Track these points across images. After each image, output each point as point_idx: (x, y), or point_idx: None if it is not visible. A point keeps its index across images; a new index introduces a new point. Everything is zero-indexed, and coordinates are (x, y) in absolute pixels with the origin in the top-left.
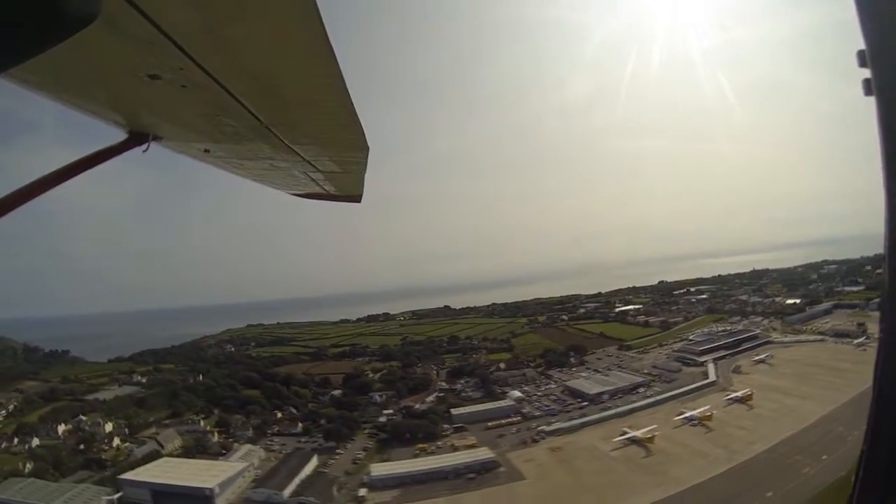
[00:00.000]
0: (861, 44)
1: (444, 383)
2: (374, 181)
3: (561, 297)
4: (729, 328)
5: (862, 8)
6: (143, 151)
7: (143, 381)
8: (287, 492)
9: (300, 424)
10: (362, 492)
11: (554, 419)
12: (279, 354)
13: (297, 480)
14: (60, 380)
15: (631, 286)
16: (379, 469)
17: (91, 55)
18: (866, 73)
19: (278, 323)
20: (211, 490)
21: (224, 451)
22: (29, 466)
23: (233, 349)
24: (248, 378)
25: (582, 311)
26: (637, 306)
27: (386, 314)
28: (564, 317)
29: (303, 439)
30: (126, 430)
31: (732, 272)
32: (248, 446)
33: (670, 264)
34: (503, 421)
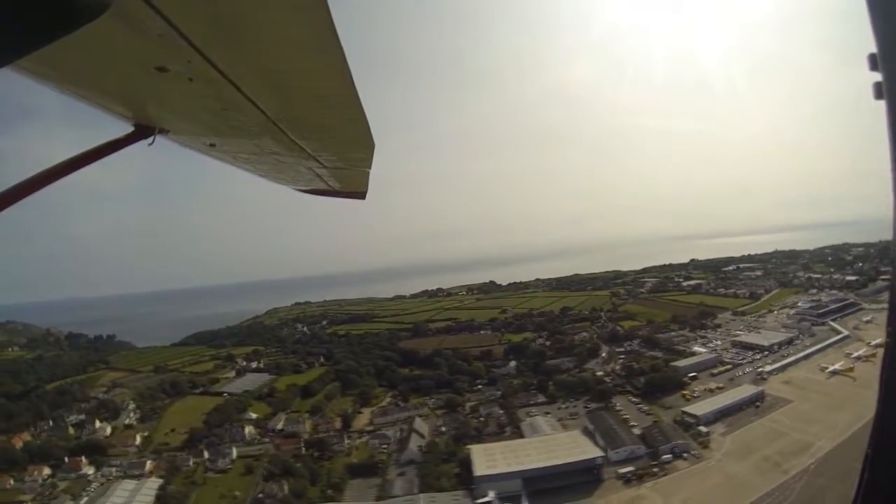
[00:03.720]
0: (872, 47)
1: (608, 347)
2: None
3: (602, 272)
4: (821, 298)
5: (874, 12)
6: (149, 145)
7: (258, 366)
8: (639, 446)
9: (539, 395)
10: (702, 428)
11: (756, 364)
12: (372, 332)
13: (630, 434)
14: (152, 369)
15: (667, 263)
16: (695, 409)
17: (99, 47)
18: (877, 76)
19: (325, 300)
20: (603, 458)
21: (501, 430)
22: (278, 489)
23: (305, 328)
24: (387, 357)
25: (648, 284)
26: (700, 281)
27: (440, 289)
28: (642, 290)
29: (564, 405)
30: (338, 423)
31: (755, 252)
32: (541, 418)
33: (684, 242)
34: (721, 368)
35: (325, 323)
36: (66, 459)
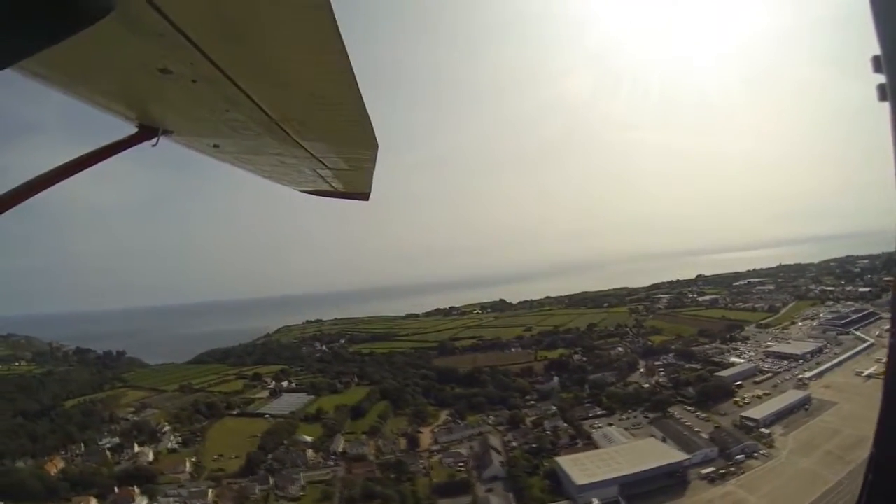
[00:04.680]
0: (876, 49)
1: (645, 361)
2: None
3: (611, 289)
4: (839, 309)
5: (878, 14)
6: (153, 146)
7: (291, 386)
8: (712, 449)
9: (596, 407)
10: (763, 430)
11: (793, 372)
12: (397, 350)
13: (700, 439)
14: (177, 388)
15: (675, 279)
16: (754, 413)
17: (103, 49)
18: (881, 78)
19: (336, 318)
20: (689, 460)
21: (573, 442)
22: None
23: (324, 346)
24: (424, 375)
25: (663, 300)
26: (715, 296)
27: (452, 307)
28: (658, 307)
29: (623, 416)
30: (402, 444)
31: (761, 267)
32: (611, 428)
33: (686, 259)
34: (762, 377)
35: (343, 341)
36: (116, 489)
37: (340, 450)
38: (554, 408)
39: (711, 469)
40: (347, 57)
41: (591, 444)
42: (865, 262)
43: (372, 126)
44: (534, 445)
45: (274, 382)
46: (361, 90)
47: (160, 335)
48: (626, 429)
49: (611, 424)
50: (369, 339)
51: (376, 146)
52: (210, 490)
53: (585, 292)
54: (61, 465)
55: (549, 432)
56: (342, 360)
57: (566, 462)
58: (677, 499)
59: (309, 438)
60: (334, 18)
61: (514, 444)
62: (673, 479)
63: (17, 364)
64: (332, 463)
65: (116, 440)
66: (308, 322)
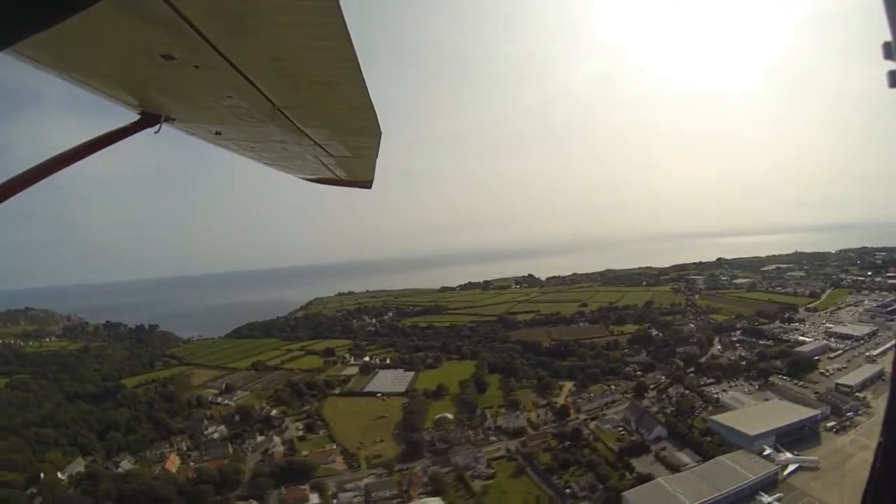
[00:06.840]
0: (887, 35)
1: (718, 337)
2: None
3: (636, 268)
4: (879, 298)
5: (888, 0)
6: (155, 133)
7: (373, 361)
8: (826, 408)
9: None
10: (858, 394)
11: (859, 350)
12: (457, 324)
13: (812, 400)
14: (250, 366)
15: (698, 261)
16: (847, 380)
17: (104, 33)
18: (892, 65)
19: (368, 291)
20: (822, 414)
21: (705, 405)
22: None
23: (374, 320)
24: (512, 348)
25: (699, 281)
26: (751, 279)
27: (487, 281)
28: (699, 287)
29: (731, 384)
30: (549, 414)
31: (775, 253)
32: (733, 392)
33: (694, 241)
34: (833, 353)
35: (391, 314)
36: (283, 489)
37: (496, 425)
38: (663, 377)
39: (833, 423)
40: (351, 43)
41: (720, 407)
42: (883, 253)
43: (375, 113)
44: (672, 409)
45: (353, 358)
46: (365, 76)
47: (177, 307)
48: (744, 393)
49: (725, 391)
50: (420, 312)
51: (379, 133)
52: (390, 479)
53: (611, 270)
54: (178, 462)
55: (674, 398)
56: (401, 333)
57: (724, 419)
58: (817, 445)
59: (451, 416)
60: (338, 3)
61: (654, 408)
62: (805, 431)
63: (47, 340)
64: (493, 438)
65: (223, 428)
66: (341, 294)
